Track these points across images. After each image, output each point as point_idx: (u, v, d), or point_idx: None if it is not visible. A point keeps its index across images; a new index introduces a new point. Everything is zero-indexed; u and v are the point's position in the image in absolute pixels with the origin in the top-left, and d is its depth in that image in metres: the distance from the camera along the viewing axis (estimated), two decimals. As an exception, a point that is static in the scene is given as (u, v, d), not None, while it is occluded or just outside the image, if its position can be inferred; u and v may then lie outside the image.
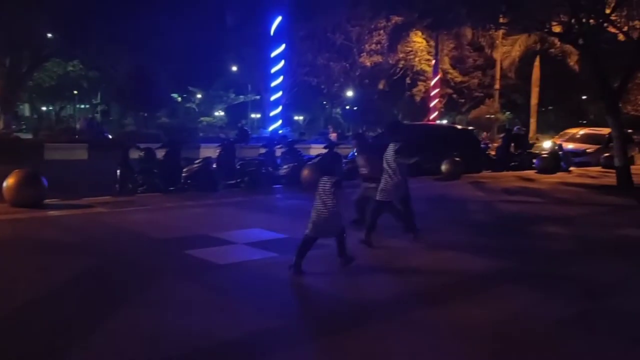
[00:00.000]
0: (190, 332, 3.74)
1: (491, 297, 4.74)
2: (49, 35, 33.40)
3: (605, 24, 13.76)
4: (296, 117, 64.68)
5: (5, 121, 30.59)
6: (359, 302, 4.49)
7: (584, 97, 47.73)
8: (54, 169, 12.12)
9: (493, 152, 19.82)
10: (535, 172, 16.84)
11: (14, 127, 34.15)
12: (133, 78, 37.13)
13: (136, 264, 5.46)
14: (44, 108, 66.55)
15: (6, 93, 32.37)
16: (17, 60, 33.33)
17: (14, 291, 4.45)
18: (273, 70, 31.37)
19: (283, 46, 30.65)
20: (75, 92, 58.77)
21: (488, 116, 37.39)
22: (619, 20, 14.30)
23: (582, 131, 24.29)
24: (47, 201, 8.47)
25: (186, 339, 3.62)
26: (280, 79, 32.09)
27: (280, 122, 36.21)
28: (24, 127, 46.51)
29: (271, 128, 32.85)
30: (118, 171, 10.62)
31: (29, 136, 34.26)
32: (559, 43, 25.07)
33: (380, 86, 39.78)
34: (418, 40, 37.07)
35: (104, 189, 10.14)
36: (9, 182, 8.17)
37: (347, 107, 48.32)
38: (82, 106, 68.97)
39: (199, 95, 60.88)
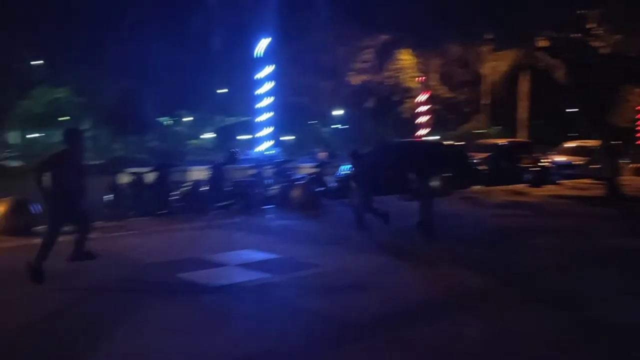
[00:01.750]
0: (183, 355, 3.68)
1: (483, 312, 4.71)
2: (35, 62, 33.45)
3: (589, 39, 13.99)
4: (285, 138, 64.80)
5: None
6: (353, 321, 4.44)
7: (573, 110, 48.27)
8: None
9: (483, 167, 19.89)
10: (526, 186, 16.92)
11: (-1, 155, 33.95)
12: (121, 103, 37.17)
13: (127, 288, 5.39)
14: (34, 135, 66.33)
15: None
16: (3, 88, 33.31)
17: (5, 319, 4.37)
18: (261, 91, 31.53)
19: (271, 67, 30.84)
20: (65, 118, 58.69)
21: (477, 131, 37.64)
22: (602, 34, 14.56)
23: (572, 144, 24.52)
24: (36, 228, 8.37)
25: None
26: (269, 100, 32.23)
27: (269, 142, 36.22)
28: (11, 154, 46.26)
29: (260, 149, 32.88)
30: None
31: (19, 163, 34.04)
32: (545, 57, 25.41)
33: (369, 104, 40.06)
34: (405, 57, 37.42)
35: (93, 214, 10.04)
36: (-3, 210, 8.10)
37: (336, 126, 48.56)
38: (71, 132, 68.69)
39: (187, 119, 60.94)
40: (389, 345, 3.92)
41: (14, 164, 34.00)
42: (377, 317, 4.54)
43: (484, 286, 5.55)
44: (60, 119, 58.95)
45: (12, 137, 64.74)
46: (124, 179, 11.21)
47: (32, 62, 32.09)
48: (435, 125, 40.98)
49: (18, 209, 8.24)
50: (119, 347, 3.84)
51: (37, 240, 7.80)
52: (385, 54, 34.00)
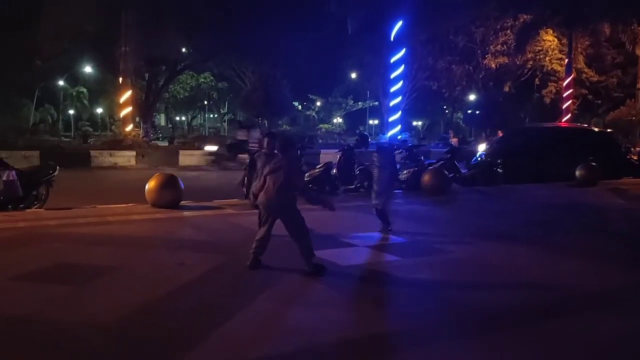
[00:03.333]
0: (317, 327, 3.81)
1: (622, 309, 4.37)
2: (184, 50, 36.04)
3: None
4: (415, 122, 63.91)
5: (144, 130, 33.46)
6: (485, 308, 4.29)
7: None
8: (188, 174, 12.98)
9: (635, 157, 18.10)
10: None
11: (151, 135, 37.27)
12: (257, 88, 38.91)
13: (271, 261, 5.60)
14: (177, 118, 72.15)
15: (145, 104, 35.44)
16: (155, 74, 36.39)
17: (156, 283, 4.81)
18: (393, 75, 31.19)
19: (403, 51, 30.37)
20: (206, 102, 63.05)
21: (629, 118, 34.25)
22: None
23: None
24: (183, 203, 9.09)
25: (314, 334, 3.70)
26: (400, 84, 31.85)
27: (399, 127, 35.85)
28: (160, 135, 50.78)
29: (390, 133, 32.70)
30: (244, 176, 11.11)
31: (165, 144, 37.28)
32: None
33: (506, 88, 38.09)
34: (549, 38, 35.00)
35: (231, 193, 10.67)
36: (150, 185, 8.87)
37: (469, 111, 46.85)
38: (211, 115, 73.72)
39: (318, 103, 62.40)
40: (518, 337, 3.75)
41: (163, 143, 37.25)
42: (506, 307, 4.35)
43: (623, 283, 5.11)
44: (201, 103, 63.18)
45: (160, 119, 70.68)
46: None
47: (181, 50, 34.61)
48: (580, 111, 37.93)
49: (168, 184, 8.96)
50: (259, 314, 4.08)
51: (186, 213, 8.52)
52: (526, 34, 32.00)
